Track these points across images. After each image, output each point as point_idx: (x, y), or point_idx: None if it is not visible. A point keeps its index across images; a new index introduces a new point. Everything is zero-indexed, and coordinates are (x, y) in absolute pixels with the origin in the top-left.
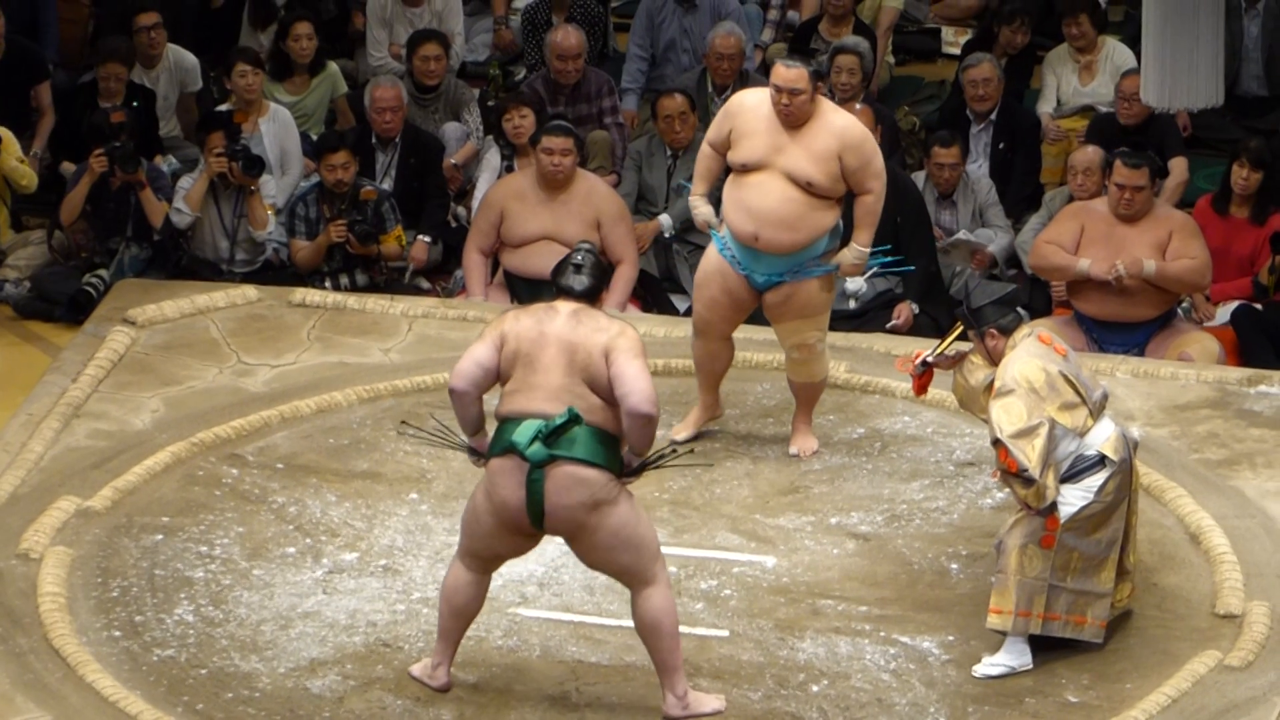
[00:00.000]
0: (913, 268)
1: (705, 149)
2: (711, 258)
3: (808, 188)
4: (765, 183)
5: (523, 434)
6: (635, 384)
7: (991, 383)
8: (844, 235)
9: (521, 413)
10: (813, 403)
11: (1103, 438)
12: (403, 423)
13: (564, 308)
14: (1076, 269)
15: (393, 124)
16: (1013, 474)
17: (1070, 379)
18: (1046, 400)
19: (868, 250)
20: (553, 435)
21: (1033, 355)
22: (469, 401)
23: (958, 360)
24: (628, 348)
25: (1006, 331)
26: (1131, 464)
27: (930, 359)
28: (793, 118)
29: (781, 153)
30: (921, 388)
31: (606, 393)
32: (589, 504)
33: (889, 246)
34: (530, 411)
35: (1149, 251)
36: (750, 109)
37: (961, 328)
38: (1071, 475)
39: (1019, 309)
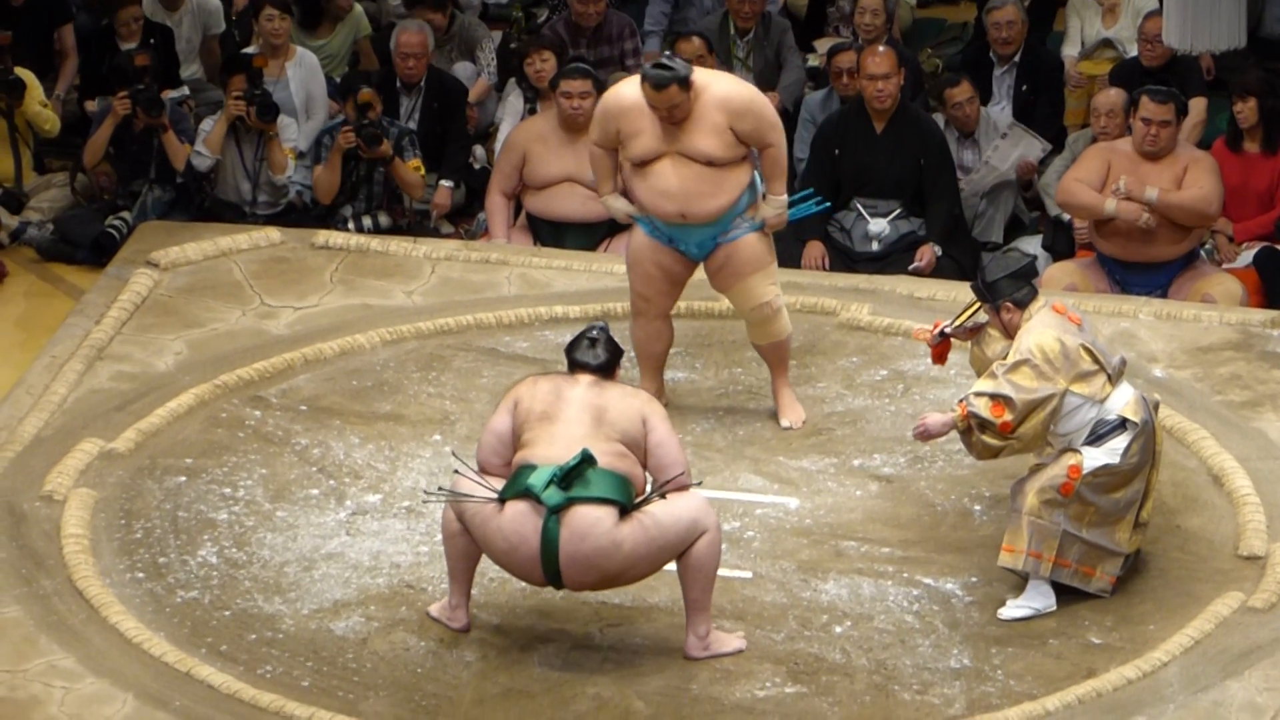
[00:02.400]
0: (829, 204)
1: (595, 150)
2: (639, 236)
3: (709, 163)
4: (668, 167)
5: (539, 478)
6: (678, 458)
7: (1008, 355)
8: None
9: (541, 459)
10: (785, 363)
11: (1122, 402)
12: (425, 492)
13: (583, 378)
14: (1104, 209)
15: (416, 69)
16: (1005, 431)
17: (1087, 348)
18: (1061, 371)
19: (785, 198)
20: (567, 478)
21: (1048, 326)
22: (497, 471)
23: (975, 332)
24: (662, 415)
25: (1021, 305)
26: (1154, 426)
27: (948, 330)
28: (676, 119)
29: (673, 139)
30: (940, 357)
31: (640, 453)
32: (609, 547)
33: (809, 191)
34: (550, 458)
35: (1169, 187)
36: (630, 107)
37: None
38: (1094, 439)
39: (1033, 282)
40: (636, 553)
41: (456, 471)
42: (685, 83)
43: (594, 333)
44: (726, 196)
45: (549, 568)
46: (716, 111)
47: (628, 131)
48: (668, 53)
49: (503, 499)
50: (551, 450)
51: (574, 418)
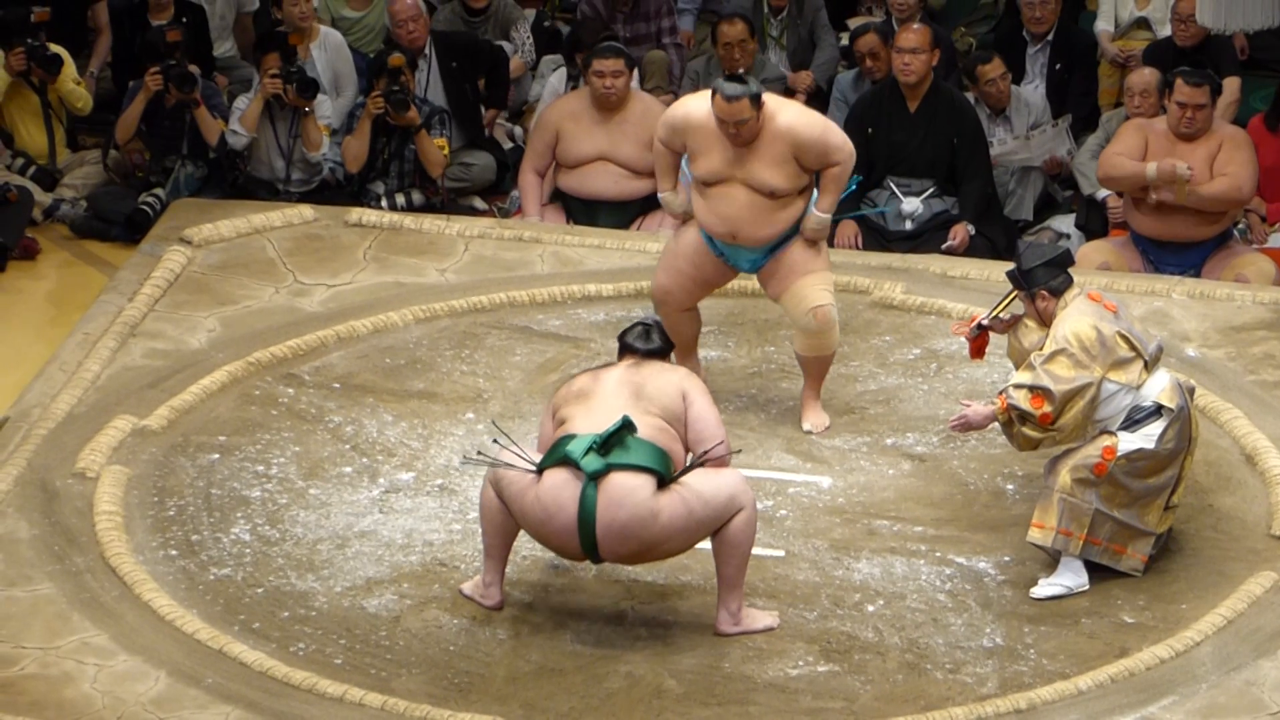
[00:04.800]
0: (859, 178)
1: (659, 148)
2: (692, 233)
3: (771, 195)
4: (729, 192)
5: (578, 446)
6: (718, 431)
7: (1045, 345)
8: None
9: (580, 430)
10: (822, 377)
11: (1159, 388)
12: (464, 457)
13: (621, 364)
14: (1146, 174)
15: (417, 33)
16: (1045, 424)
17: (1124, 335)
18: (1098, 359)
19: (829, 216)
20: (606, 444)
21: (1085, 314)
22: None
23: (1012, 323)
24: (701, 389)
25: (1057, 293)
26: (1190, 412)
27: (985, 322)
28: (742, 139)
29: (739, 165)
30: (977, 350)
31: (680, 427)
32: (646, 515)
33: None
34: (589, 429)
35: (1204, 166)
36: (699, 125)
37: (1016, 291)
38: (1129, 425)
39: (1069, 270)
40: (673, 524)
41: (496, 441)
42: (757, 100)
43: (649, 321)
44: (780, 226)
45: (585, 537)
46: (782, 142)
47: (695, 149)
48: (742, 71)
49: (541, 469)
50: (590, 422)
51: (612, 392)
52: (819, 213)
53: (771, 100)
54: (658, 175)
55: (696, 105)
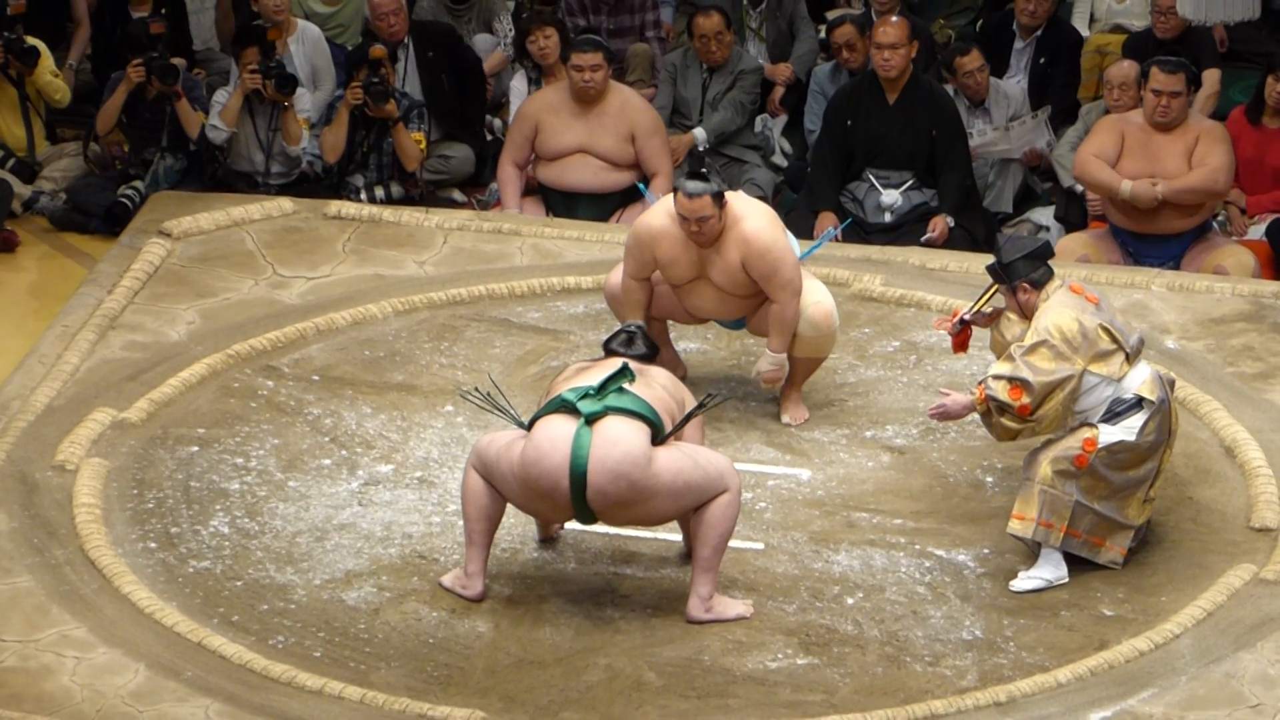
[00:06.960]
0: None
1: (629, 283)
2: (670, 232)
3: (736, 292)
4: (699, 288)
5: (573, 393)
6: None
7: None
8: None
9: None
10: (808, 377)
11: (1139, 380)
12: (462, 393)
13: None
14: (1120, 191)
15: (397, 26)
16: (1023, 415)
17: (1106, 327)
18: (1079, 351)
19: (783, 356)
20: (604, 387)
21: (1066, 306)
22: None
23: (995, 317)
24: (699, 423)
25: (1038, 285)
26: (1170, 405)
27: (967, 317)
28: (704, 238)
29: (706, 266)
30: (960, 345)
31: (678, 412)
32: (640, 457)
33: (830, 232)
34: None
35: (1181, 160)
36: (661, 236)
37: (996, 285)
38: (1110, 417)
39: (1049, 262)
40: (663, 476)
41: (488, 394)
42: (719, 198)
43: (632, 328)
44: (752, 306)
45: (576, 479)
46: (736, 249)
47: (664, 259)
48: (703, 169)
49: (532, 422)
50: (584, 380)
51: (613, 366)
52: (770, 354)
53: (740, 204)
54: (627, 308)
55: (654, 218)
